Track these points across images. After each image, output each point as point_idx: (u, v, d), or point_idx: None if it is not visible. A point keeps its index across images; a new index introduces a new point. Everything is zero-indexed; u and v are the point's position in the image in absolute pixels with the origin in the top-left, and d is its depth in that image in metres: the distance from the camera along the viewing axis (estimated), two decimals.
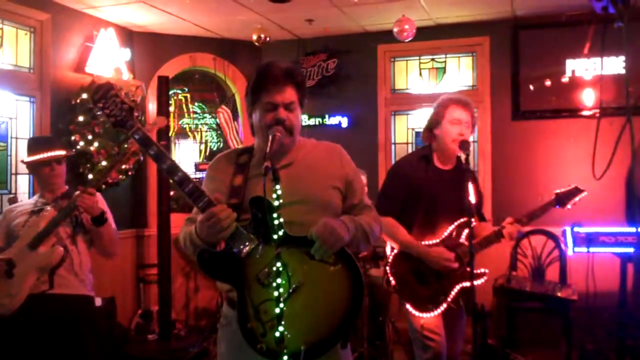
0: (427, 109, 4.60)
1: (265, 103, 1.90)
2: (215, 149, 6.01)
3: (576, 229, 3.98)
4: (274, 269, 1.71)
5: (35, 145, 3.09)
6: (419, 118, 5.48)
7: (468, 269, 2.65)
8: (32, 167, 3.10)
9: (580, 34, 4.65)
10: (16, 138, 4.35)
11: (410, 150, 5.38)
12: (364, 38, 5.51)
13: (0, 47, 4.20)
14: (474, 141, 5.18)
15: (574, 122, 4.85)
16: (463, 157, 2.78)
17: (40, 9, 4.33)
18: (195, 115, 5.98)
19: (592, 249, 3.96)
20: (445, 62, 5.48)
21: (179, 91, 5.87)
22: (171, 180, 1.86)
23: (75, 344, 2.90)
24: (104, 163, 4.47)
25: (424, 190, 2.89)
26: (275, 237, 1.73)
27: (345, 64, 5.54)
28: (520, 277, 4.60)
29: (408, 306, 2.84)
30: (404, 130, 5.61)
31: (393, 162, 5.31)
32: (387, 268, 2.91)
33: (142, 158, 4.88)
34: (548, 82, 4.93)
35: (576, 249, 3.98)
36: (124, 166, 4.61)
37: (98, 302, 3.57)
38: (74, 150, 4.28)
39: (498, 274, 4.47)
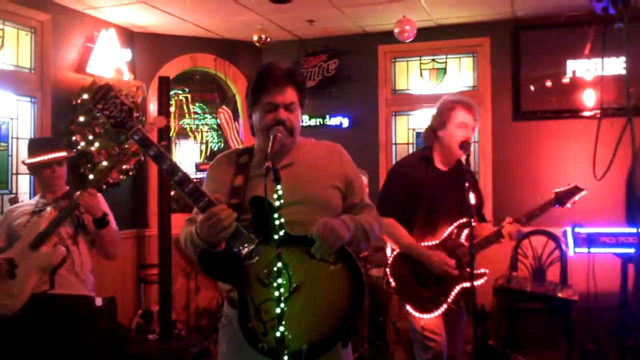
0: (428, 109, 4.61)
1: (266, 104, 1.91)
2: (216, 149, 6.02)
3: (577, 229, 3.98)
4: (275, 268, 1.71)
5: (36, 146, 3.10)
6: (420, 118, 5.49)
7: (468, 270, 2.65)
8: (33, 169, 3.10)
9: (581, 35, 4.65)
10: (17, 138, 4.35)
11: (411, 151, 5.38)
12: (365, 39, 5.51)
13: (1, 47, 4.21)
14: (474, 142, 5.18)
15: (575, 122, 4.85)
16: (464, 158, 2.78)
17: (41, 9, 4.34)
18: (195, 116, 5.99)
19: (592, 250, 3.96)
20: (446, 62, 5.48)
21: (179, 91, 5.87)
22: (171, 181, 1.87)
23: (76, 344, 2.90)
24: (104, 163, 4.48)
25: (424, 191, 2.89)
26: (276, 237, 1.73)
27: (346, 65, 5.54)
28: (520, 277, 4.60)
29: (408, 307, 2.84)
30: (405, 130, 5.62)
31: (394, 162, 5.32)
32: (387, 269, 2.91)
33: (142, 158, 4.89)
34: (549, 83, 4.93)
35: (577, 250, 3.98)
36: (124, 166, 4.61)
37: (99, 302, 3.57)
38: (74, 150, 4.28)
39: (498, 275, 4.47)
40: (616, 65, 4.64)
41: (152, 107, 5.28)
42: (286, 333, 1.68)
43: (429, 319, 2.80)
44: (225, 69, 5.75)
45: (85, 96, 4.48)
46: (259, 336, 1.73)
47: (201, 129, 6.01)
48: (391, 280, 2.89)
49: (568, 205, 2.94)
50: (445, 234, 2.89)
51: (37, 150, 3.05)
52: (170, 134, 5.40)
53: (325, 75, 5.53)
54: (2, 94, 4.21)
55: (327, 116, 5.58)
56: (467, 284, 2.80)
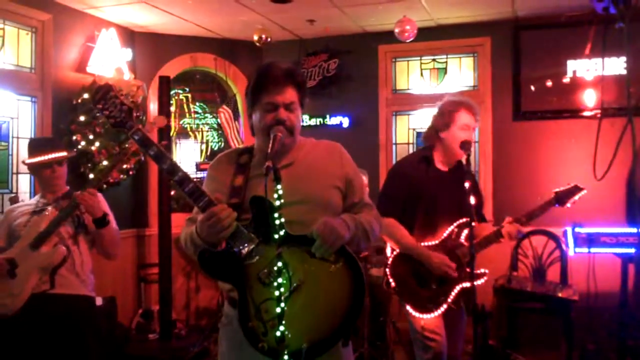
0: (429, 109, 4.62)
1: (266, 103, 1.91)
2: (216, 148, 6.02)
3: (577, 229, 3.98)
4: (275, 268, 1.71)
5: (36, 146, 3.10)
6: (420, 118, 5.48)
7: (468, 270, 2.65)
8: (33, 169, 3.10)
9: (582, 35, 4.65)
10: (17, 138, 4.35)
11: (411, 151, 5.38)
12: (365, 38, 5.51)
13: (2, 47, 4.21)
14: (474, 142, 5.17)
15: (575, 122, 4.85)
16: (464, 158, 2.78)
17: (42, 9, 4.34)
18: (196, 115, 5.99)
19: (593, 250, 3.96)
20: (446, 62, 5.48)
21: (180, 91, 5.87)
22: (171, 181, 1.87)
23: (76, 344, 2.91)
24: (105, 163, 4.48)
25: (424, 191, 2.89)
26: (276, 236, 1.73)
27: (346, 65, 5.54)
28: (521, 277, 4.59)
29: (408, 307, 2.84)
30: (405, 130, 5.61)
31: (394, 162, 5.31)
32: (387, 269, 2.91)
33: (143, 158, 4.89)
34: (549, 83, 4.93)
35: (577, 250, 3.98)
36: (125, 166, 4.62)
37: (99, 301, 3.57)
38: (75, 150, 4.28)
39: (499, 275, 4.47)
40: (617, 65, 4.64)
41: (153, 107, 5.28)
42: (286, 332, 1.68)
43: (429, 319, 2.80)
44: (225, 68, 5.75)
45: (86, 96, 4.48)
46: (260, 336, 1.73)
47: (201, 129, 6.01)
48: (391, 280, 2.89)
49: (568, 205, 2.94)
50: (445, 234, 2.89)
51: (38, 150, 3.05)
52: (171, 134, 5.41)
53: (326, 75, 5.53)
54: (3, 94, 4.21)
55: (328, 116, 5.58)
56: (467, 284, 2.80)
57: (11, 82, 4.22)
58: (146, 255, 5.35)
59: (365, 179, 3.85)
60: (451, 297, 2.82)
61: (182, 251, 5.01)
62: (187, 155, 5.96)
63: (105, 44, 4.71)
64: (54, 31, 4.43)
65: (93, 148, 4.48)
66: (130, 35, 5.25)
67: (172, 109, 5.53)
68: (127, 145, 4.44)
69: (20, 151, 4.30)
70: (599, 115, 4.69)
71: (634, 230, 3.90)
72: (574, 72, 4.86)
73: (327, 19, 5.04)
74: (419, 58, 5.52)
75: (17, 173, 4.34)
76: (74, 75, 4.63)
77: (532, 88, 4.99)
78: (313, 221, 1.78)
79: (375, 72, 5.52)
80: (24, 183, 4.37)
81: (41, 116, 4.38)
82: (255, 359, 1.75)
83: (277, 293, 1.69)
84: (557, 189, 2.97)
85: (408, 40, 4.81)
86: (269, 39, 5.06)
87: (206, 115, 6.01)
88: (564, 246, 4.43)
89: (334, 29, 5.36)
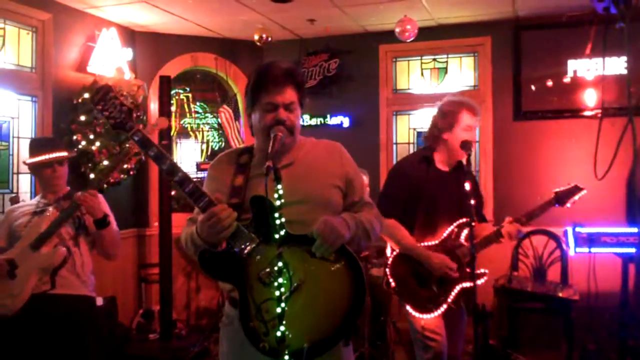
0: (429, 109, 4.61)
1: (266, 103, 1.90)
2: (216, 148, 6.02)
3: (577, 229, 3.97)
4: (276, 268, 1.71)
5: (37, 146, 3.10)
6: (421, 118, 5.48)
7: (468, 270, 2.65)
8: (34, 169, 3.10)
9: (582, 35, 4.65)
10: (18, 137, 4.36)
11: (411, 151, 5.38)
12: (366, 38, 5.51)
13: (3, 46, 4.21)
14: (475, 142, 5.17)
15: (576, 122, 4.85)
16: (464, 158, 2.78)
17: (42, 8, 4.34)
18: (196, 115, 5.99)
19: (593, 249, 3.96)
20: (447, 62, 5.47)
21: (180, 91, 5.88)
22: (171, 181, 1.87)
23: (77, 344, 2.91)
24: (105, 162, 4.48)
25: (425, 191, 2.89)
26: (276, 236, 1.73)
27: (346, 64, 5.54)
28: (521, 277, 4.59)
29: (408, 307, 2.84)
30: (406, 130, 5.61)
31: (394, 162, 5.32)
32: (387, 269, 2.91)
33: (143, 158, 4.89)
34: (550, 83, 4.93)
35: (578, 249, 3.98)
36: (125, 166, 4.62)
37: (99, 301, 3.57)
38: (75, 150, 4.29)
39: (499, 274, 4.47)
40: (617, 65, 4.63)
41: (153, 107, 5.28)
42: (287, 332, 1.68)
43: (429, 319, 2.80)
44: (226, 68, 5.75)
45: (86, 95, 4.48)
46: (260, 336, 1.73)
47: (202, 129, 6.02)
48: (391, 280, 2.89)
49: (568, 204, 2.94)
50: (445, 234, 2.89)
51: (38, 150, 3.05)
52: (171, 134, 5.41)
53: (326, 74, 5.53)
54: (3, 93, 4.21)
55: (328, 116, 5.58)
56: (467, 284, 2.80)
57: (12, 82, 4.22)
58: (147, 255, 5.35)
59: (365, 178, 3.85)
60: (451, 297, 2.82)
61: (182, 251, 5.01)
62: (187, 155, 5.96)
63: (106, 44, 4.71)
64: (54, 31, 4.43)
65: (94, 148, 4.47)
66: (130, 35, 5.26)
67: (173, 108, 5.53)
68: (127, 145, 4.44)
69: (21, 151, 4.30)
70: (599, 115, 4.68)
71: (634, 230, 3.90)
72: (575, 72, 4.86)
73: (327, 19, 5.04)
74: (419, 58, 5.52)
75: (18, 173, 4.34)
76: (75, 74, 4.63)
77: (533, 88, 4.98)
78: (313, 221, 1.78)
79: (375, 71, 5.52)
80: (24, 183, 4.37)
81: (42, 116, 4.39)
82: (256, 358, 1.75)
83: (277, 293, 1.69)
84: (557, 189, 2.97)
85: (409, 40, 4.81)
86: (269, 39, 5.06)
87: (207, 115, 6.01)
88: (564, 246, 4.43)
89: (334, 29, 5.36)
